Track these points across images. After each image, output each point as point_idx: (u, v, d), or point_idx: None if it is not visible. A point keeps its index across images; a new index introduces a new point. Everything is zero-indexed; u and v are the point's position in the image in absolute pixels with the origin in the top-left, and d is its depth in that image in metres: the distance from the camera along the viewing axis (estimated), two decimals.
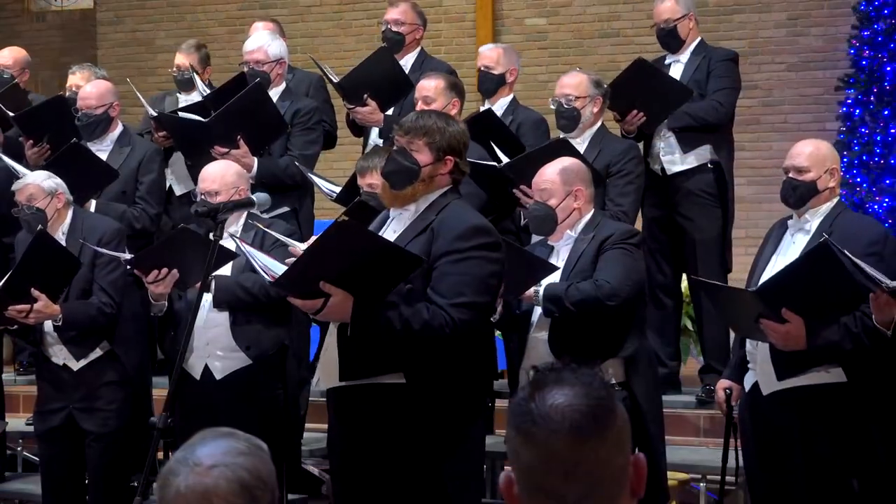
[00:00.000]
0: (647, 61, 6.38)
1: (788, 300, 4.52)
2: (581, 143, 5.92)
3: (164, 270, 5.16)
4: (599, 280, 4.75)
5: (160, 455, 5.82)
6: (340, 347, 4.21)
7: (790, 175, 4.87)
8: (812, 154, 4.87)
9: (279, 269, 4.29)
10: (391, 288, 4.12)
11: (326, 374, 4.33)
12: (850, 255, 4.38)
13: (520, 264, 4.78)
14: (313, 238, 5.15)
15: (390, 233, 4.29)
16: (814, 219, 4.84)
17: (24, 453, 7.19)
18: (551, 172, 5.02)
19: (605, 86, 6.05)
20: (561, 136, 5.86)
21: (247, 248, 4.56)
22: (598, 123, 6.01)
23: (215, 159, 5.84)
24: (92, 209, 6.28)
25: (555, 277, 4.88)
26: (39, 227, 5.60)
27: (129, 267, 5.38)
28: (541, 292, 4.80)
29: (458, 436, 4.22)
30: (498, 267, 4.24)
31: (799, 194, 4.85)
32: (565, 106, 5.94)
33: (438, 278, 4.13)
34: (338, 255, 4.07)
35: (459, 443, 4.22)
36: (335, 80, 6.60)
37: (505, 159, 5.76)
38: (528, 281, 4.83)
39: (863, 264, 4.37)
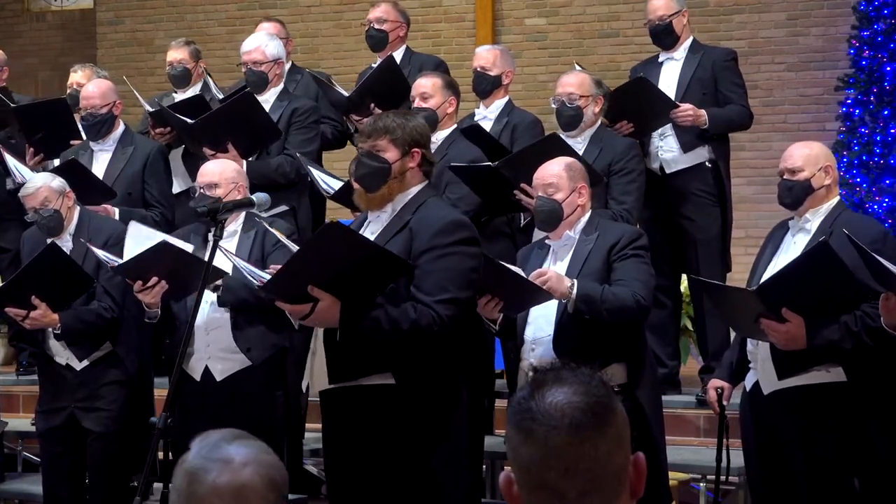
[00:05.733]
0: (648, 80, 6.39)
1: (788, 300, 4.52)
2: (581, 142, 5.92)
3: (153, 280, 5.17)
4: (637, 295, 4.70)
5: (160, 455, 5.82)
6: (328, 351, 4.24)
7: (784, 177, 4.91)
8: (804, 154, 4.91)
9: (264, 274, 4.30)
10: (378, 292, 4.14)
11: (317, 378, 4.36)
12: (868, 250, 4.40)
13: (519, 289, 4.74)
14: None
15: (368, 234, 4.31)
16: (814, 219, 4.85)
17: (25, 453, 7.20)
18: (557, 168, 5.01)
19: (606, 85, 6.07)
20: (554, 133, 5.86)
21: (233, 257, 4.56)
22: (599, 122, 6.02)
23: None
24: (116, 216, 6.27)
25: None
26: (50, 240, 5.59)
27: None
28: (574, 291, 4.69)
29: (444, 425, 4.25)
30: (477, 261, 4.28)
31: (794, 194, 4.87)
32: (568, 105, 5.94)
33: (421, 276, 4.16)
34: (326, 258, 4.07)
35: (445, 432, 4.25)
36: (345, 95, 6.66)
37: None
38: (527, 303, 4.80)
39: (884, 261, 4.39)
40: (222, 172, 5.38)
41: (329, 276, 4.07)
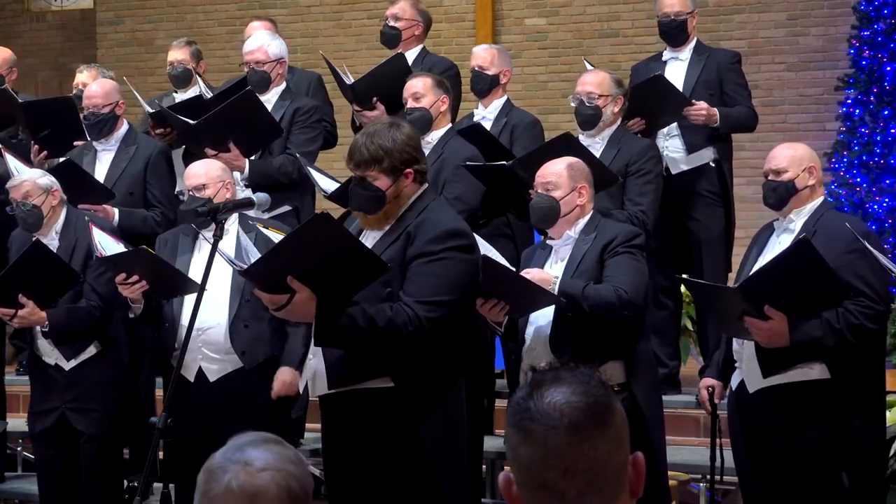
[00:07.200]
0: (664, 78, 6.38)
1: (771, 297, 4.56)
2: (600, 143, 5.92)
3: (135, 277, 5.18)
4: (619, 289, 4.72)
5: (160, 455, 5.82)
6: (326, 356, 4.23)
7: (769, 177, 4.95)
8: (788, 155, 4.95)
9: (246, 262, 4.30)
10: (354, 292, 4.11)
11: (315, 383, 4.34)
12: (870, 247, 4.42)
13: (523, 291, 4.75)
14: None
15: (369, 239, 4.28)
16: (798, 219, 4.90)
17: (24, 453, 7.20)
18: (558, 166, 5.03)
19: (626, 85, 6.06)
20: (568, 132, 5.85)
21: (219, 251, 4.56)
22: (617, 123, 6.00)
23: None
24: (115, 216, 6.27)
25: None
26: (35, 238, 5.59)
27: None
28: (556, 288, 4.76)
29: (443, 427, 4.23)
30: (470, 267, 4.22)
31: (778, 194, 4.91)
32: (587, 104, 5.93)
33: (409, 279, 4.13)
34: (310, 249, 4.05)
35: (445, 434, 4.23)
36: (350, 82, 6.60)
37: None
38: (532, 306, 4.81)
39: (881, 258, 4.40)
40: (208, 172, 5.38)
41: (309, 268, 4.04)
